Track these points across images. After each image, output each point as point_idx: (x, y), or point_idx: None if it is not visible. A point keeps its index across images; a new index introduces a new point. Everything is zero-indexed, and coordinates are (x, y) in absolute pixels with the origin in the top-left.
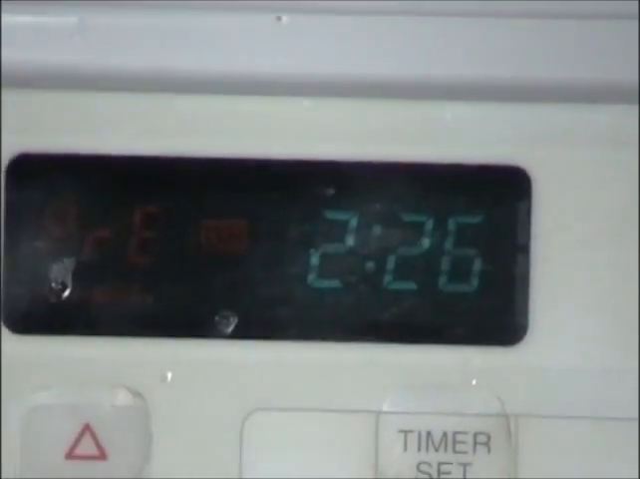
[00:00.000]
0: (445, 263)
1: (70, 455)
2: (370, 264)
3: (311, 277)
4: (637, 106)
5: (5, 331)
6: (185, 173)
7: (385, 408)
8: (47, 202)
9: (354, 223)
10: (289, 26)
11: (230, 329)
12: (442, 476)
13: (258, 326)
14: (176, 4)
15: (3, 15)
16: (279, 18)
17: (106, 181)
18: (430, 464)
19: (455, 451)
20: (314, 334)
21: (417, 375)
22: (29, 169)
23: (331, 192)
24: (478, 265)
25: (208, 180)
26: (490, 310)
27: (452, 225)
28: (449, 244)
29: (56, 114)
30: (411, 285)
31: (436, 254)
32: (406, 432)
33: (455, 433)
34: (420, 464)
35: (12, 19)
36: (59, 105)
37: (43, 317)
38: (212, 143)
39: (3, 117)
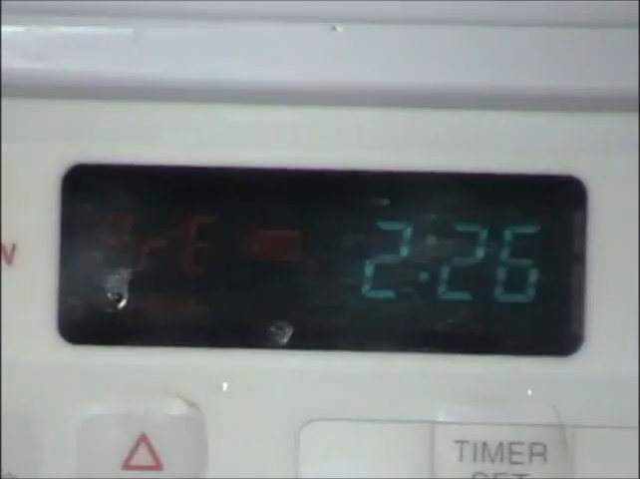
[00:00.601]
0: (500, 274)
1: (126, 465)
2: (424, 275)
3: (365, 288)
4: None
5: (61, 341)
6: (240, 183)
7: (440, 418)
8: (102, 212)
9: (408, 233)
10: (344, 36)
11: (286, 340)
12: None
13: (313, 337)
14: (231, 15)
15: (59, 27)
16: (334, 28)
17: (161, 191)
18: (485, 474)
19: (511, 462)
20: (369, 345)
21: (472, 385)
22: (85, 179)
23: (385, 202)
24: (534, 276)
25: (263, 190)
26: (547, 320)
27: (507, 235)
28: (504, 255)
29: (111, 124)
30: (465, 296)
31: (490, 265)
32: (462, 442)
33: (510, 443)
34: (476, 474)
35: (67, 30)
36: (114, 115)
37: (99, 328)
38: (267, 153)
39: (58, 127)
